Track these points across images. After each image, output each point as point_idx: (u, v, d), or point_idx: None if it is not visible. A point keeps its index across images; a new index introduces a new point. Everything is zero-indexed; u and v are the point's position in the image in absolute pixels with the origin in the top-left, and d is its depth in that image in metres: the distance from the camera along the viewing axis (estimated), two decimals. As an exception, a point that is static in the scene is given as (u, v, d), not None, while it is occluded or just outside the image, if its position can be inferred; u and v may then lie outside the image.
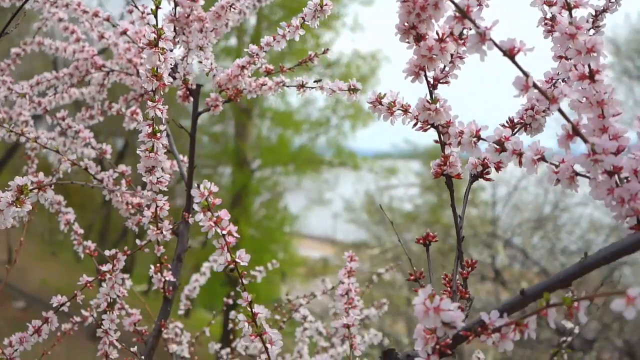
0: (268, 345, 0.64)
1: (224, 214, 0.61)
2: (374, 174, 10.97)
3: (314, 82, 0.95)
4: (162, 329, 0.98)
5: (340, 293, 0.95)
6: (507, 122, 0.68)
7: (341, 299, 0.95)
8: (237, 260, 0.62)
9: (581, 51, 0.52)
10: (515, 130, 0.68)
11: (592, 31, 0.71)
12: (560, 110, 0.50)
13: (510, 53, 0.50)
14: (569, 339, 1.13)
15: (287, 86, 0.96)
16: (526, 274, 6.62)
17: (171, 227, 0.90)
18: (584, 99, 0.53)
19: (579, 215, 7.83)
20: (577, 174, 0.54)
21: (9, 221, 0.69)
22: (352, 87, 0.83)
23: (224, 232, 0.61)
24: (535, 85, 0.49)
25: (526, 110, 0.67)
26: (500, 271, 5.88)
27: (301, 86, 0.94)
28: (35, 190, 0.65)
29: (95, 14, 1.08)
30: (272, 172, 11.92)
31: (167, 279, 0.96)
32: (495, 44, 0.49)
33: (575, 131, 0.51)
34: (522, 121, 0.67)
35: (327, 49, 0.98)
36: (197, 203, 0.60)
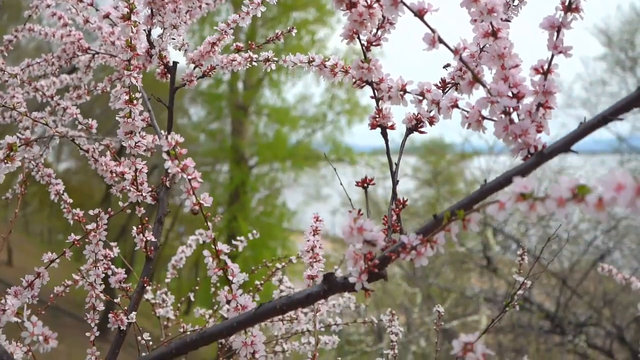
0: (230, 277, 0.73)
1: (190, 162, 0.70)
2: (370, 169, 11.06)
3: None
4: (145, 286, 1.07)
5: (306, 249, 1.04)
6: (439, 82, 0.77)
7: (306, 254, 1.04)
8: (201, 202, 0.71)
9: (483, 12, 0.61)
10: (447, 89, 0.77)
11: (516, 1, 0.81)
12: (462, 60, 0.59)
13: (420, 13, 0.59)
14: (521, 292, 1.22)
15: (255, 61, 1.05)
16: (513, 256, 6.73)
17: (150, 189, 0.99)
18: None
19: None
20: (484, 117, 0.63)
21: (1, 177, 0.78)
22: (310, 59, 0.92)
23: (190, 177, 0.70)
24: (440, 40, 0.59)
25: (456, 71, 0.77)
26: (491, 259, 5.98)
27: (267, 60, 1.04)
28: (23, 147, 0.74)
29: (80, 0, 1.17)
30: (269, 169, 12.02)
31: (148, 239, 1.05)
32: (406, 5, 0.59)
33: (475, 79, 0.60)
34: (452, 81, 0.76)
35: (293, 28, 1.08)
36: (165, 152, 0.69)
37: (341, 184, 1.04)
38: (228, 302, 0.72)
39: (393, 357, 1.21)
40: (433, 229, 0.60)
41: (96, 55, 1.27)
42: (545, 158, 0.56)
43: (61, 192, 1.19)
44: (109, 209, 1.01)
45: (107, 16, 1.12)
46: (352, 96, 11.80)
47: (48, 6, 1.27)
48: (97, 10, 1.16)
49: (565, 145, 0.55)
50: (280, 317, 1.14)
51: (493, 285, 7.23)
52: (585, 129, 0.55)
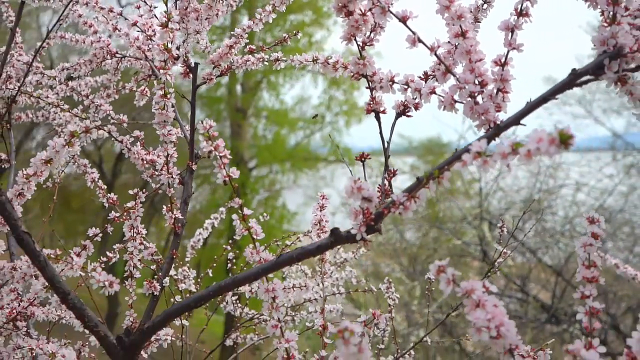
0: (254, 236, 0.89)
1: (221, 142, 0.87)
2: (369, 169, 11.22)
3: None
4: (174, 257, 1.23)
5: (314, 222, 1.20)
6: (423, 74, 0.93)
7: (314, 227, 1.20)
8: (230, 174, 0.88)
9: (453, 17, 0.77)
10: (428, 80, 0.93)
11: (485, 5, 0.97)
12: (437, 56, 0.76)
13: (403, 19, 0.75)
14: (501, 259, 1.39)
15: (266, 61, 1.22)
16: (513, 255, 6.90)
17: (179, 172, 1.15)
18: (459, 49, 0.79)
19: (571, 199, 8.16)
20: (455, 100, 0.79)
21: (63, 160, 0.94)
22: (314, 58, 1.08)
23: (221, 154, 0.87)
24: (419, 40, 0.75)
25: (435, 65, 0.93)
26: (488, 252, 6.15)
27: (276, 60, 1.20)
28: (84, 133, 0.91)
29: (110, 10, 1.33)
30: (269, 171, 12.18)
31: (176, 216, 1.21)
32: (393, 14, 0.75)
33: (447, 70, 0.76)
34: (433, 73, 0.93)
35: (298, 32, 1.24)
36: (201, 134, 0.86)
37: (351, 174, 1.19)
38: (252, 256, 0.89)
39: (390, 319, 1.38)
40: (416, 188, 0.77)
41: (123, 59, 1.44)
42: (501, 130, 0.73)
43: (96, 179, 1.36)
44: (144, 190, 1.17)
45: (135, 24, 1.28)
46: (350, 97, 11.98)
47: (80, 16, 1.43)
48: (125, 19, 1.33)
49: (515, 120, 0.72)
50: (292, 284, 1.30)
51: (491, 279, 7.41)
52: (531, 106, 0.71)
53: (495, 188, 7.87)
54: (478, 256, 6.48)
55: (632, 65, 0.69)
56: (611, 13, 0.68)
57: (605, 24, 0.69)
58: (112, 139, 1.26)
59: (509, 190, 8.09)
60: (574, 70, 0.70)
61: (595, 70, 0.69)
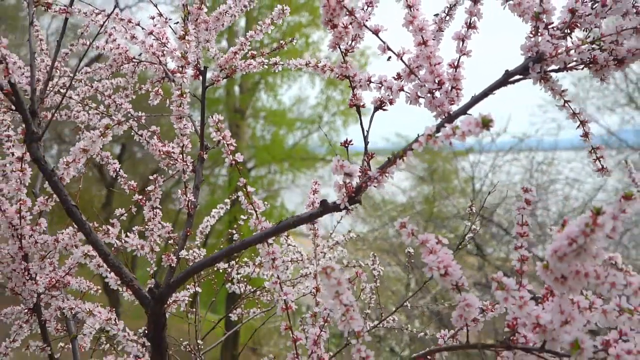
0: (257, 209, 1.09)
1: (228, 132, 1.06)
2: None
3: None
4: (188, 235, 1.43)
5: (307, 204, 1.40)
6: (396, 74, 1.13)
7: (307, 208, 1.39)
8: (236, 159, 1.07)
9: (416, 30, 0.97)
10: (400, 79, 1.12)
11: (448, 17, 1.17)
12: (402, 60, 0.95)
13: (376, 32, 0.95)
14: (469, 236, 1.58)
15: (266, 65, 1.41)
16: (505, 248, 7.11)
17: (192, 161, 1.34)
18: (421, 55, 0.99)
19: (561, 194, 8.38)
20: (419, 96, 0.99)
21: (98, 149, 1.14)
22: (307, 62, 1.27)
23: (228, 142, 1.06)
24: (388, 48, 0.95)
25: (404, 68, 1.12)
26: (481, 245, 6.36)
27: (275, 64, 1.40)
28: (116, 126, 1.10)
29: (129, 21, 1.52)
30: (267, 171, 12.36)
31: (190, 199, 1.40)
32: (367, 28, 0.95)
33: (411, 72, 0.96)
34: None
35: (293, 38, 1.44)
36: (211, 126, 1.05)
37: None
38: (255, 226, 1.08)
39: (375, 289, 1.57)
40: (387, 165, 0.96)
41: (139, 63, 1.63)
42: (452, 119, 0.92)
43: (118, 169, 1.55)
44: (162, 175, 1.36)
45: (151, 33, 1.48)
46: (347, 97, 12.15)
47: (101, 26, 1.62)
48: (142, 29, 1.52)
49: (463, 111, 0.91)
50: (291, 258, 1.50)
51: (486, 273, 7.62)
52: (475, 99, 0.90)
53: (489, 184, 8.07)
54: (472, 250, 6.68)
55: (552, 67, 0.88)
56: (534, 26, 0.88)
57: (530, 35, 0.88)
58: (133, 132, 1.45)
59: (503, 186, 8.31)
60: (506, 71, 0.89)
61: (523, 71, 0.88)
